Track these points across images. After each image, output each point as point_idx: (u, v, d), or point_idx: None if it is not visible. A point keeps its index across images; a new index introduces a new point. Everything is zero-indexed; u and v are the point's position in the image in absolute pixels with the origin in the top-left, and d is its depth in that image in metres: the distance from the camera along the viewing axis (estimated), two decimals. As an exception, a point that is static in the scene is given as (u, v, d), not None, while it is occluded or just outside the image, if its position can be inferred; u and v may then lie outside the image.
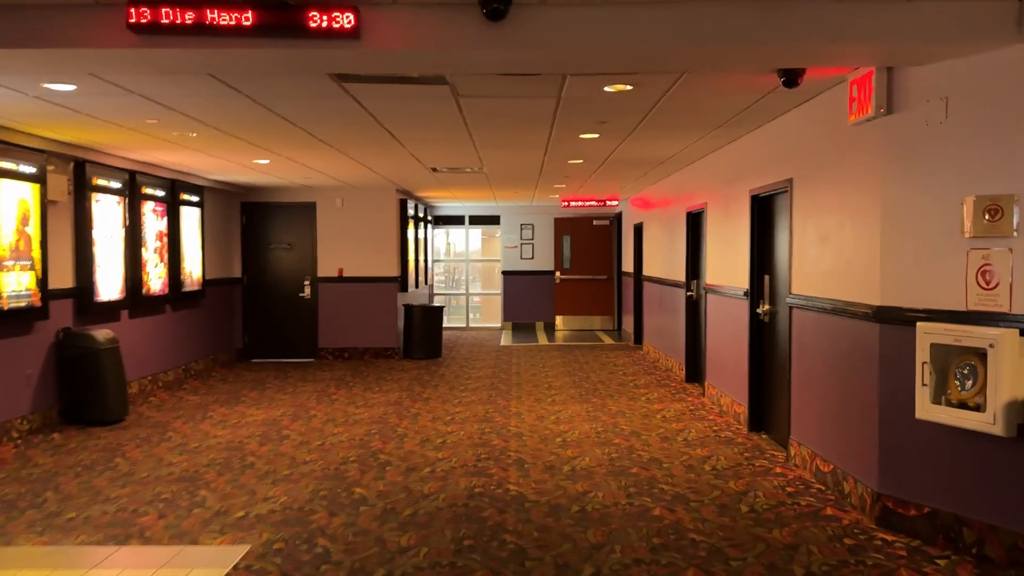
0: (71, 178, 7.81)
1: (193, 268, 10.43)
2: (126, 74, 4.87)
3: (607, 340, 14.89)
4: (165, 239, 9.65)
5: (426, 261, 15.58)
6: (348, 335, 12.29)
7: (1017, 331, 3.88)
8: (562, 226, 17.17)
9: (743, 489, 5.44)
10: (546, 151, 8.38)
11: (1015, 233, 3.96)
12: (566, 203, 15.07)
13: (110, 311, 8.44)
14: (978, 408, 4.00)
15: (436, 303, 15.75)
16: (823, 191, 5.58)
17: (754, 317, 7.03)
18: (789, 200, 6.16)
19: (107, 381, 7.58)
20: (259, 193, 12.26)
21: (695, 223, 9.54)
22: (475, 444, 6.73)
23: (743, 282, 7.27)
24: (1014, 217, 3.96)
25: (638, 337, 13.74)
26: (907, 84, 4.52)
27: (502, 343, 14.35)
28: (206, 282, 10.87)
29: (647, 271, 12.81)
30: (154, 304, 9.43)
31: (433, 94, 5.56)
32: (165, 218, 9.64)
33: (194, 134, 7.11)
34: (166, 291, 9.64)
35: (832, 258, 5.40)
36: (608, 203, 15.07)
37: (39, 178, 7.12)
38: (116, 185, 8.47)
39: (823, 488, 5.42)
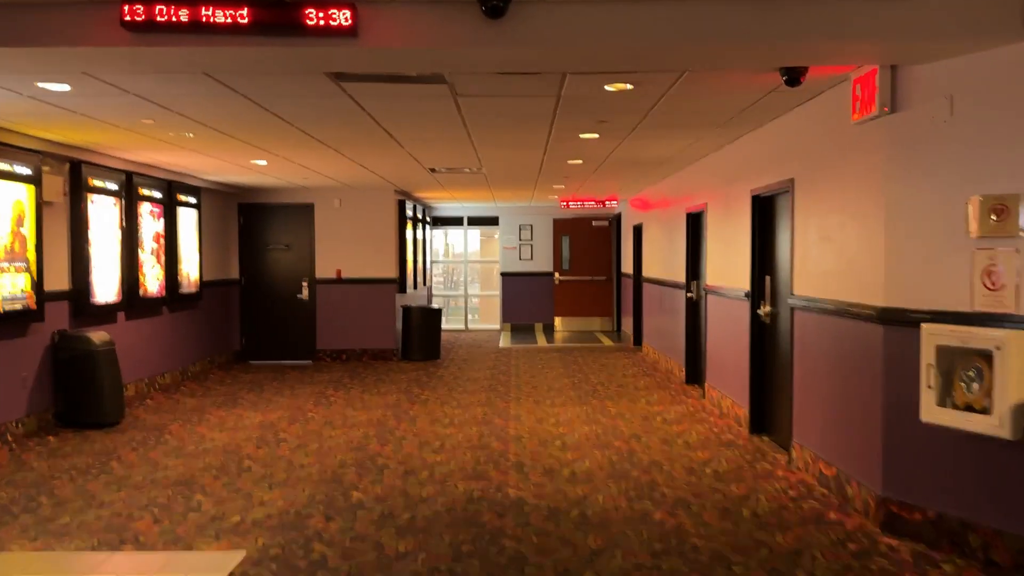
0: (67, 179, 7.74)
1: (190, 270, 10.37)
2: (121, 73, 4.82)
3: (606, 341, 14.84)
4: (162, 240, 9.58)
5: (425, 262, 15.52)
6: (346, 337, 12.23)
7: (1024, 333, 3.83)
8: (561, 227, 17.12)
9: (745, 493, 5.39)
10: (545, 151, 8.33)
11: (1021, 233, 3.91)
12: (565, 204, 15.02)
13: (106, 313, 8.37)
14: (984, 411, 3.94)
15: (435, 304, 15.70)
16: (825, 191, 5.53)
17: (755, 318, 6.97)
18: (791, 200, 6.11)
19: (103, 384, 7.52)
20: (257, 194, 12.20)
21: (695, 224, 9.49)
22: (474, 447, 6.68)
23: (744, 283, 7.22)
24: (1020, 217, 3.91)
25: (637, 338, 13.69)
26: (911, 82, 4.47)
27: (501, 344, 14.29)
28: (203, 284, 10.81)
29: (647, 272, 12.76)
30: (151, 306, 9.36)
31: (431, 93, 5.50)
32: (162, 219, 9.58)
33: (191, 134, 7.06)
34: (163, 293, 9.58)
35: (834, 259, 5.34)
36: (607, 204, 15.02)
37: (34, 179, 7.06)
38: (112, 186, 8.41)
39: (826, 492, 5.36)
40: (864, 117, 4.72)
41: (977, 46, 4.03)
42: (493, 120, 6.58)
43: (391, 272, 12.34)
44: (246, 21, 3.75)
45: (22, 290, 6.88)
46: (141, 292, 9.02)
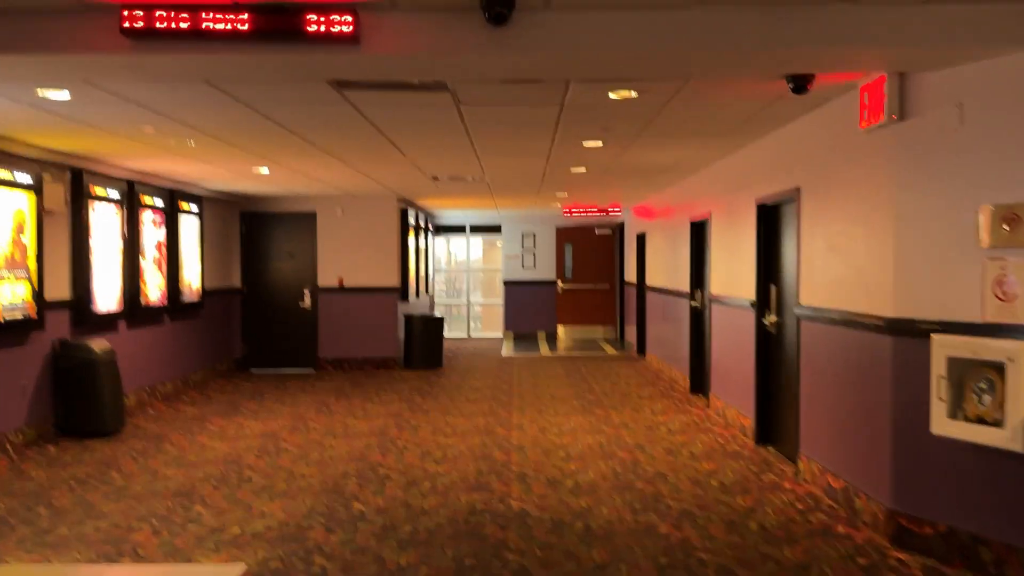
0: (68, 187, 7.70)
1: (192, 278, 10.32)
2: (121, 81, 4.78)
3: (610, 350, 14.77)
4: (164, 249, 9.55)
5: (427, 270, 15.48)
6: (348, 345, 12.18)
7: (1036, 344, 3.76)
8: (564, 235, 17.08)
9: (751, 505, 5.31)
10: (548, 159, 8.28)
11: (1033, 243, 3.85)
12: (568, 212, 14.98)
13: (107, 322, 8.32)
14: (996, 424, 3.88)
15: (437, 313, 15.65)
16: (832, 200, 5.47)
17: (760, 328, 6.91)
18: (797, 209, 6.05)
19: (103, 393, 7.47)
20: (259, 203, 12.17)
21: (699, 232, 9.44)
22: (476, 457, 6.61)
23: (749, 292, 7.16)
24: (1032, 226, 3.85)
25: (641, 347, 13.62)
26: (920, 90, 4.42)
27: (503, 353, 14.23)
28: (205, 292, 10.76)
29: (650, 281, 12.70)
30: (152, 315, 9.32)
31: (434, 101, 5.46)
32: (164, 228, 9.54)
33: (192, 143, 7.02)
34: (164, 302, 9.53)
35: (842, 268, 5.28)
36: (610, 212, 14.98)
37: (35, 187, 7.02)
38: (114, 194, 8.38)
39: (834, 504, 5.29)
40: (872, 125, 4.67)
41: (987, 53, 3.98)
42: (496, 128, 6.53)
43: (393, 280, 12.30)
44: (246, 28, 3.70)
45: (22, 299, 6.84)
46: (142, 301, 8.98)
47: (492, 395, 9.72)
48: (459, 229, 17.53)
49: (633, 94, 5.20)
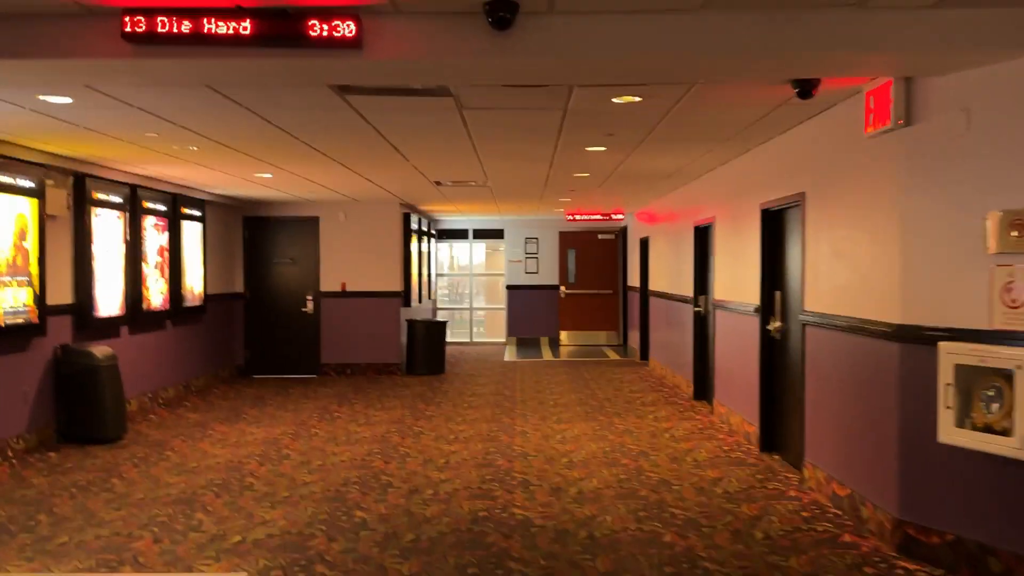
0: (70, 192, 7.69)
1: (194, 283, 10.30)
2: (123, 86, 4.76)
3: (613, 356, 14.72)
4: (166, 254, 9.53)
5: (429, 275, 15.45)
6: (351, 351, 12.15)
7: (1045, 351, 3.72)
8: (567, 240, 17.04)
9: (757, 513, 5.27)
10: (551, 164, 8.26)
11: (1042, 249, 3.81)
12: (571, 217, 14.95)
13: (110, 327, 8.30)
14: (1005, 432, 3.83)
15: (439, 318, 15.61)
16: (838, 205, 5.43)
17: (765, 333, 6.87)
18: (802, 214, 6.01)
19: (105, 399, 7.44)
20: (262, 207, 12.16)
21: (703, 237, 9.40)
22: (479, 464, 6.57)
23: (753, 298, 7.12)
24: (1041, 233, 3.81)
25: (644, 353, 13.57)
26: (926, 94, 4.38)
27: (506, 358, 14.19)
28: (207, 297, 10.74)
29: (653, 286, 12.66)
30: (155, 320, 9.29)
31: (437, 106, 5.44)
32: (166, 232, 9.53)
33: (195, 148, 7.00)
34: (167, 306, 9.51)
35: (847, 274, 5.24)
36: (613, 217, 14.95)
37: (38, 192, 7.01)
38: (117, 199, 8.36)
39: (840, 513, 5.24)
40: (878, 130, 4.63)
41: (994, 58, 3.95)
42: (499, 133, 6.51)
43: (396, 285, 12.27)
44: (248, 32, 3.67)
45: (24, 304, 6.82)
46: (145, 306, 8.95)
47: (495, 401, 9.68)
48: (462, 234, 17.51)
49: (637, 99, 5.17)
